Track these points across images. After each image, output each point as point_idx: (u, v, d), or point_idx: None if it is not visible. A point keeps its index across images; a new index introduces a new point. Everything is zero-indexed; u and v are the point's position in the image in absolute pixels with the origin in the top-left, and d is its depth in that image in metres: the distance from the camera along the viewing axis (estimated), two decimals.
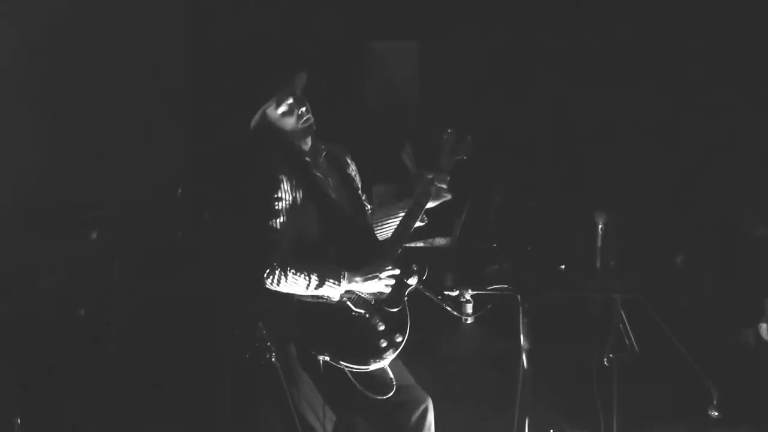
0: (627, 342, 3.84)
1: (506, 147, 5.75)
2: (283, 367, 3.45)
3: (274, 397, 3.53)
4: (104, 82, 5.30)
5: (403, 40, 6.13)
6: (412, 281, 3.55)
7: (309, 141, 3.63)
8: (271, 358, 3.44)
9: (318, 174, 3.60)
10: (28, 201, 4.93)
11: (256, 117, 3.59)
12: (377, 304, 3.51)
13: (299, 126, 3.58)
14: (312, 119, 3.60)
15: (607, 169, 5.74)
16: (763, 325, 5.09)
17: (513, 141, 5.80)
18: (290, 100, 3.57)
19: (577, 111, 5.85)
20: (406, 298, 3.55)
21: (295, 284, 3.40)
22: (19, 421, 4.17)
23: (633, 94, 5.78)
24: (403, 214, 3.65)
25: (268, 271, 3.40)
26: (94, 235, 4.90)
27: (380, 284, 3.49)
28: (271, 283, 3.40)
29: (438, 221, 3.83)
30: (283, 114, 3.57)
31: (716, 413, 4.34)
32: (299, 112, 3.57)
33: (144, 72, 5.48)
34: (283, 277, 3.39)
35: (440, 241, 4.57)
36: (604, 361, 3.84)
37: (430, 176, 3.65)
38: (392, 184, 5.71)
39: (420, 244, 3.95)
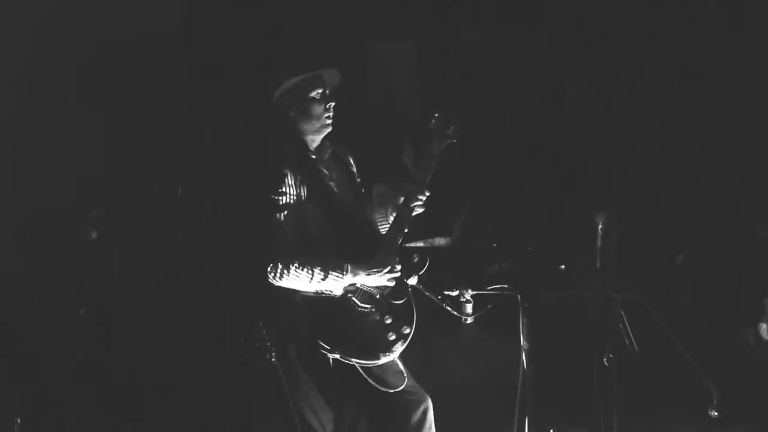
0: (627, 342, 3.84)
1: (506, 147, 5.75)
2: (283, 367, 3.45)
3: (274, 397, 3.52)
4: (103, 82, 5.30)
5: (403, 40, 6.13)
6: (413, 279, 3.56)
7: (318, 139, 3.64)
8: (271, 358, 3.44)
9: (323, 170, 3.60)
10: (27, 201, 4.93)
11: (284, 88, 3.56)
12: (382, 298, 3.51)
13: (322, 120, 3.58)
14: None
15: (607, 169, 5.74)
16: (763, 325, 5.09)
17: (513, 141, 5.80)
18: (322, 90, 3.57)
19: (577, 111, 5.85)
20: (410, 289, 3.56)
21: (297, 278, 3.39)
22: (19, 421, 4.16)
23: (633, 93, 5.78)
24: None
25: (271, 266, 3.40)
26: (94, 235, 4.90)
27: (384, 278, 3.49)
28: (274, 278, 3.40)
29: (438, 221, 3.83)
30: (313, 99, 3.56)
31: (716, 413, 4.34)
32: (328, 106, 3.58)
33: (144, 71, 5.47)
34: (285, 272, 3.38)
35: (440, 241, 4.57)
36: (604, 361, 3.84)
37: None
38: (392, 183, 5.71)
39: (420, 244, 3.95)
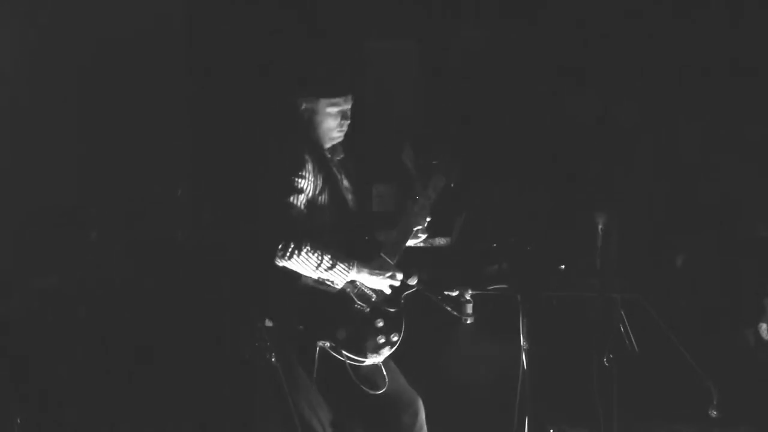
0: (627, 342, 3.85)
1: (506, 147, 5.76)
2: (283, 367, 3.46)
3: (274, 397, 3.53)
4: (103, 82, 5.30)
5: (402, 39, 6.14)
6: (413, 280, 3.58)
7: (329, 144, 3.65)
8: (271, 358, 3.44)
9: (334, 169, 3.62)
10: (28, 201, 4.93)
11: (303, 99, 3.55)
12: (377, 301, 3.54)
13: (332, 134, 3.59)
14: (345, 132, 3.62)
15: (607, 169, 5.74)
16: (763, 325, 5.10)
17: (513, 141, 5.81)
18: (345, 106, 3.57)
19: (577, 111, 5.85)
20: (403, 301, 3.58)
21: (307, 261, 3.40)
22: (19, 421, 4.16)
23: (633, 94, 5.79)
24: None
25: (283, 243, 3.39)
26: (94, 235, 4.90)
27: (384, 282, 3.52)
28: (284, 256, 3.39)
29: (438, 221, 3.83)
30: (329, 114, 3.57)
31: (716, 413, 4.35)
32: (341, 122, 3.57)
33: (144, 71, 5.48)
34: (296, 252, 3.39)
35: (440, 241, 4.58)
36: (604, 361, 3.84)
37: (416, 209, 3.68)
38: (392, 183, 5.72)
39: (420, 244, 3.95)
